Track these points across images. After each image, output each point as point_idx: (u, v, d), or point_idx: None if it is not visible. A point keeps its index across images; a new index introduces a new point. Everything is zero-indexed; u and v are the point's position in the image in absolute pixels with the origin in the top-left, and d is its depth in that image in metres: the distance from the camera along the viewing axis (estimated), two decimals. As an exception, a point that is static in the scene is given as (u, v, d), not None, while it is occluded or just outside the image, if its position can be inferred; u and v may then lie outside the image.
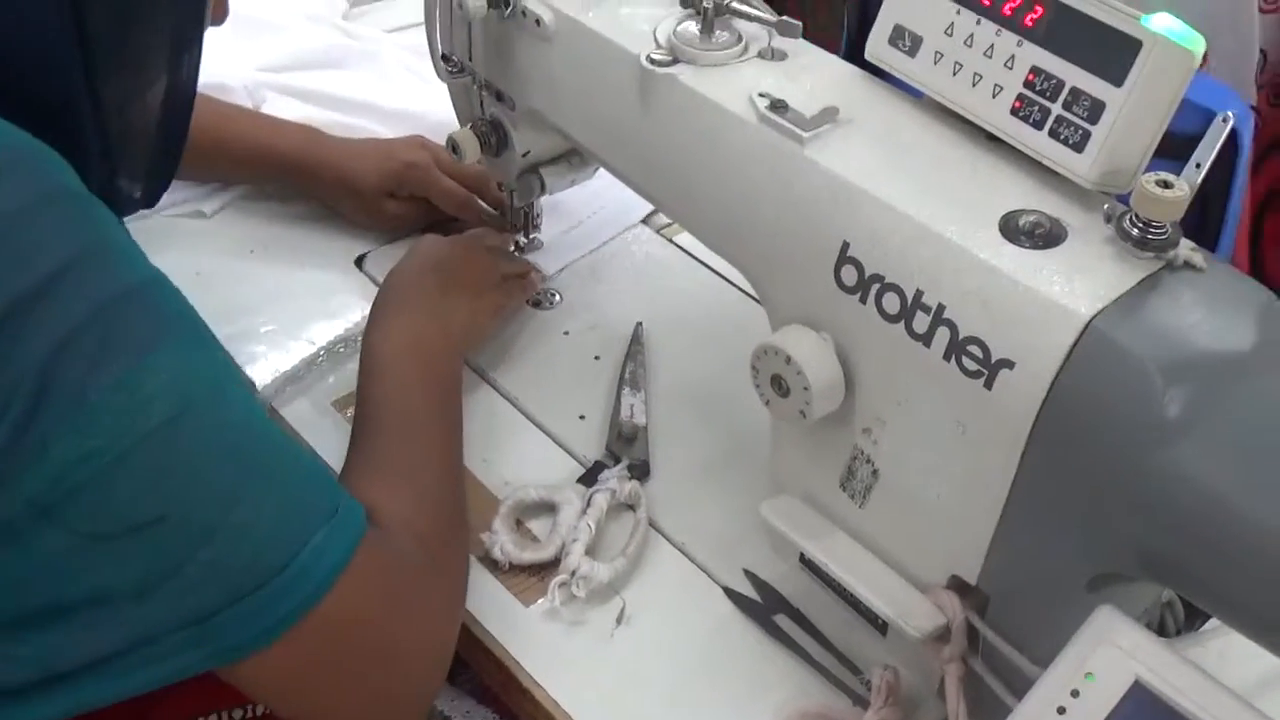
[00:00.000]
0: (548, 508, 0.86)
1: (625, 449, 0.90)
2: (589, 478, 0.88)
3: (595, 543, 0.82)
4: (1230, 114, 0.62)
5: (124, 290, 0.59)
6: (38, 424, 0.55)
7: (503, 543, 0.82)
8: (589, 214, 1.13)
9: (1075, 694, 0.55)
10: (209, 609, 0.61)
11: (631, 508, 0.86)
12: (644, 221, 1.14)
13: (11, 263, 0.56)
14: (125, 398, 0.57)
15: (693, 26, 0.76)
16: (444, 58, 0.93)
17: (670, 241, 1.13)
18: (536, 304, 1.05)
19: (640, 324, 1.01)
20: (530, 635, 0.79)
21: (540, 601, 0.80)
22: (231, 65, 1.18)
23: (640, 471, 0.88)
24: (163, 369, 0.59)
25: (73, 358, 0.56)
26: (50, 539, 0.57)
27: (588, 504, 0.84)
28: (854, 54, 0.76)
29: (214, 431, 0.61)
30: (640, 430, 0.91)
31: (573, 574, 0.79)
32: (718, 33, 0.75)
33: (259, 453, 0.64)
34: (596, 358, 1.00)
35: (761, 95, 0.70)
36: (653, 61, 0.75)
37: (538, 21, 0.82)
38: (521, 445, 0.92)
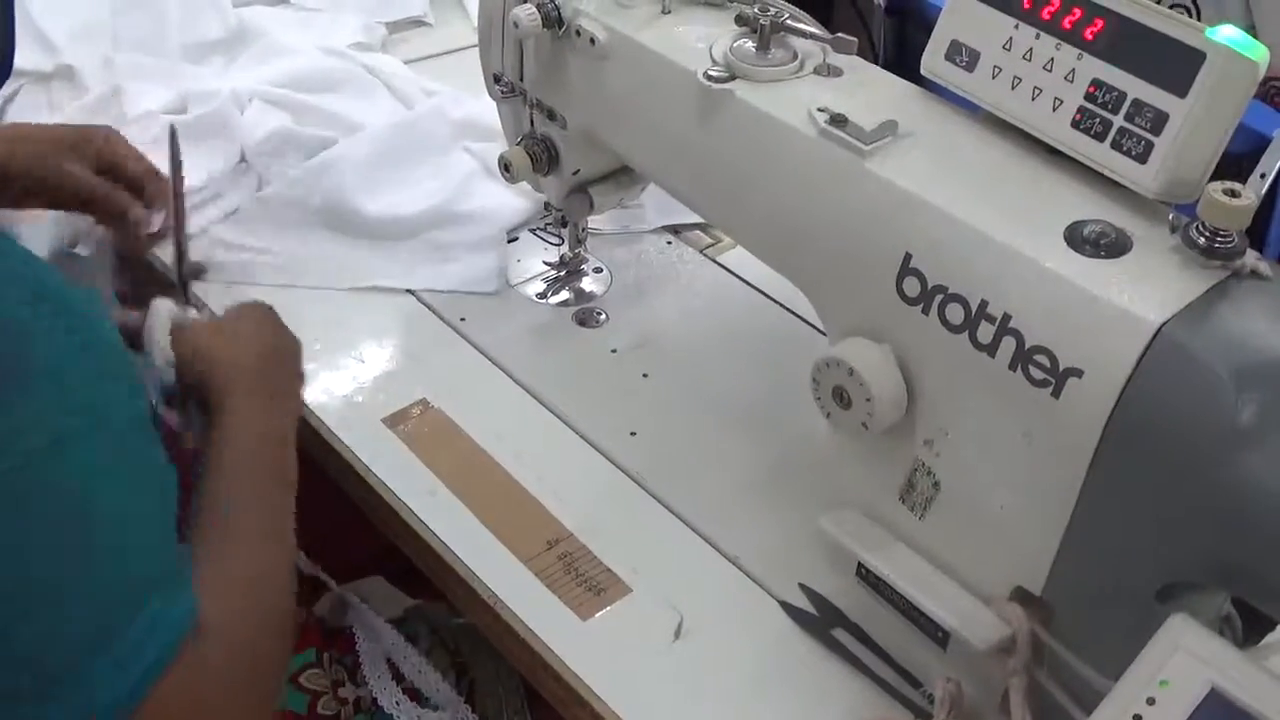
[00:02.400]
0: None
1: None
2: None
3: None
4: (1294, 125, 0.62)
5: None
6: None
7: None
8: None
9: (1151, 701, 0.55)
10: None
11: None
12: (684, 240, 1.15)
13: None
14: None
15: (749, 44, 0.77)
16: (495, 78, 0.95)
17: (713, 261, 1.13)
18: (583, 323, 1.06)
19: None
20: (589, 649, 0.79)
21: (599, 615, 0.80)
22: (232, 79, 1.22)
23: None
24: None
25: None
26: None
27: None
28: (889, 70, 0.77)
29: (50, 494, 0.60)
30: None
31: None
32: (774, 50, 0.76)
33: (89, 525, 0.61)
34: (645, 375, 1.00)
35: (820, 110, 0.71)
36: (710, 78, 0.75)
37: (592, 40, 0.83)
38: (572, 462, 0.93)
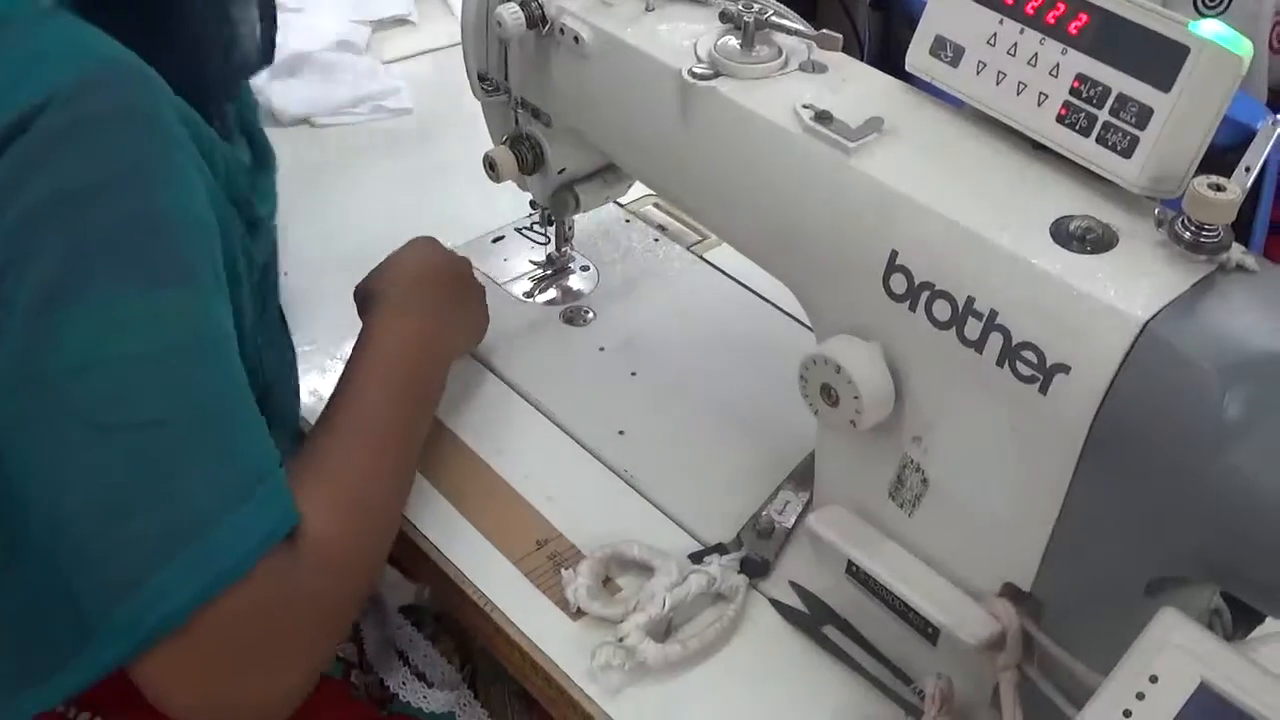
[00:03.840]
0: (646, 569, 0.83)
1: (754, 541, 0.85)
2: (699, 557, 0.84)
3: (671, 621, 0.80)
4: (1278, 117, 0.62)
5: (156, 214, 0.64)
6: (55, 313, 0.61)
7: (579, 586, 0.80)
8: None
9: (1140, 696, 0.55)
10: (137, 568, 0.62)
11: (726, 599, 0.81)
12: (671, 237, 1.15)
13: (77, 158, 0.63)
14: (145, 311, 0.63)
15: (733, 41, 0.77)
16: (480, 77, 0.94)
17: (700, 258, 1.13)
18: (570, 321, 1.06)
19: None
20: (579, 649, 0.78)
21: (589, 614, 0.80)
22: None
23: (756, 569, 0.83)
24: (169, 304, 0.64)
25: (100, 261, 0.63)
26: (55, 425, 0.62)
27: (682, 580, 0.80)
28: (874, 66, 0.77)
29: (207, 376, 0.65)
30: (779, 529, 0.86)
31: (620, 640, 0.77)
32: (758, 46, 0.76)
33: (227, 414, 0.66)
34: (633, 374, 1.00)
35: (805, 106, 0.71)
36: (694, 75, 0.75)
37: (576, 39, 0.82)
38: (560, 461, 0.93)
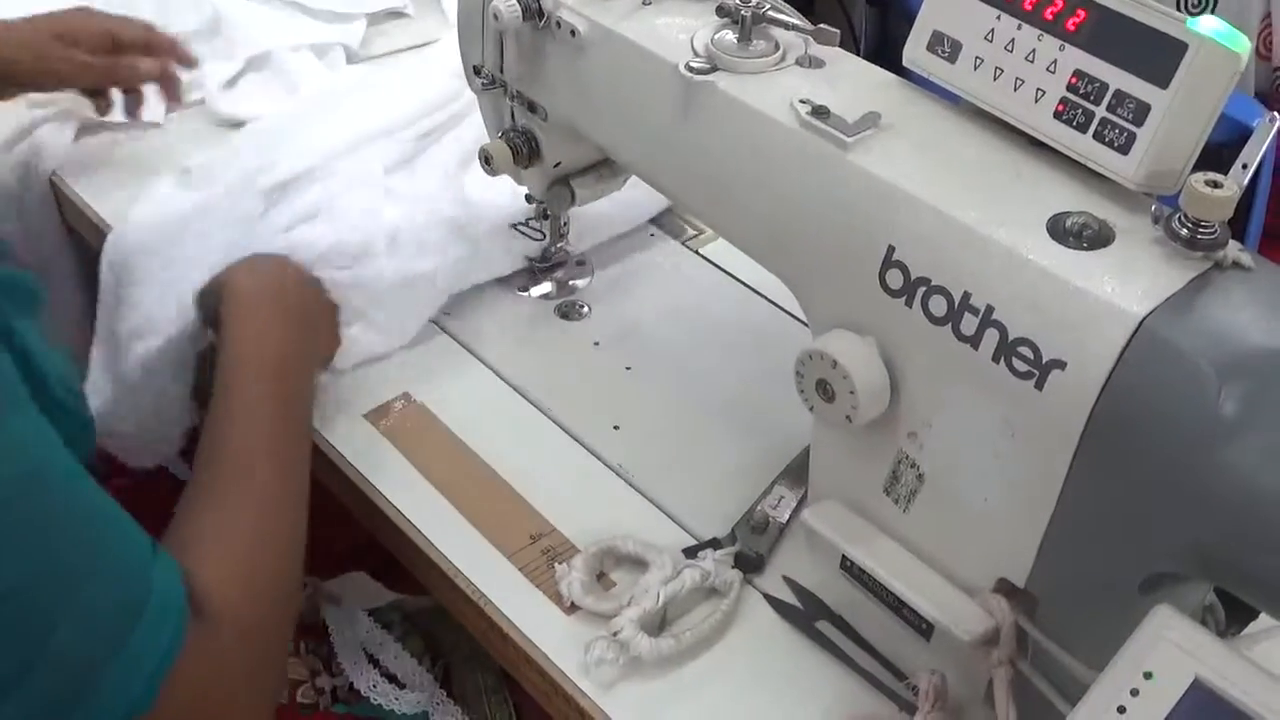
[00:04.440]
0: (640, 564, 0.83)
1: (749, 536, 0.85)
2: (693, 551, 0.84)
3: (665, 616, 0.79)
4: (1276, 115, 0.62)
5: None
6: None
7: (573, 580, 0.80)
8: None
9: (1135, 693, 0.55)
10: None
11: (720, 594, 0.81)
12: (666, 231, 1.15)
13: None
14: None
15: (730, 35, 0.76)
16: (475, 70, 0.94)
17: (696, 253, 1.13)
18: (565, 315, 1.06)
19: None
20: (572, 643, 0.78)
21: (582, 608, 0.80)
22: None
23: (750, 564, 0.83)
24: None
25: None
26: None
27: (677, 574, 0.80)
28: (871, 61, 0.77)
29: (40, 511, 0.58)
30: (774, 524, 0.86)
31: (614, 635, 0.77)
32: (755, 41, 0.76)
33: (78, 539, 0.60)
34: (628, 368, 1.00)
35: (803, 101, 0.71)
36: (691, 69, 0.75)
37: (573, 32, 0.82)
38: (555, 455, 0.92)
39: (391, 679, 0.93)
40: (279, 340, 0.82)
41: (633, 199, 1.09)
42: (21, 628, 0.57)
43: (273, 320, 0.83)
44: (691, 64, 0.75)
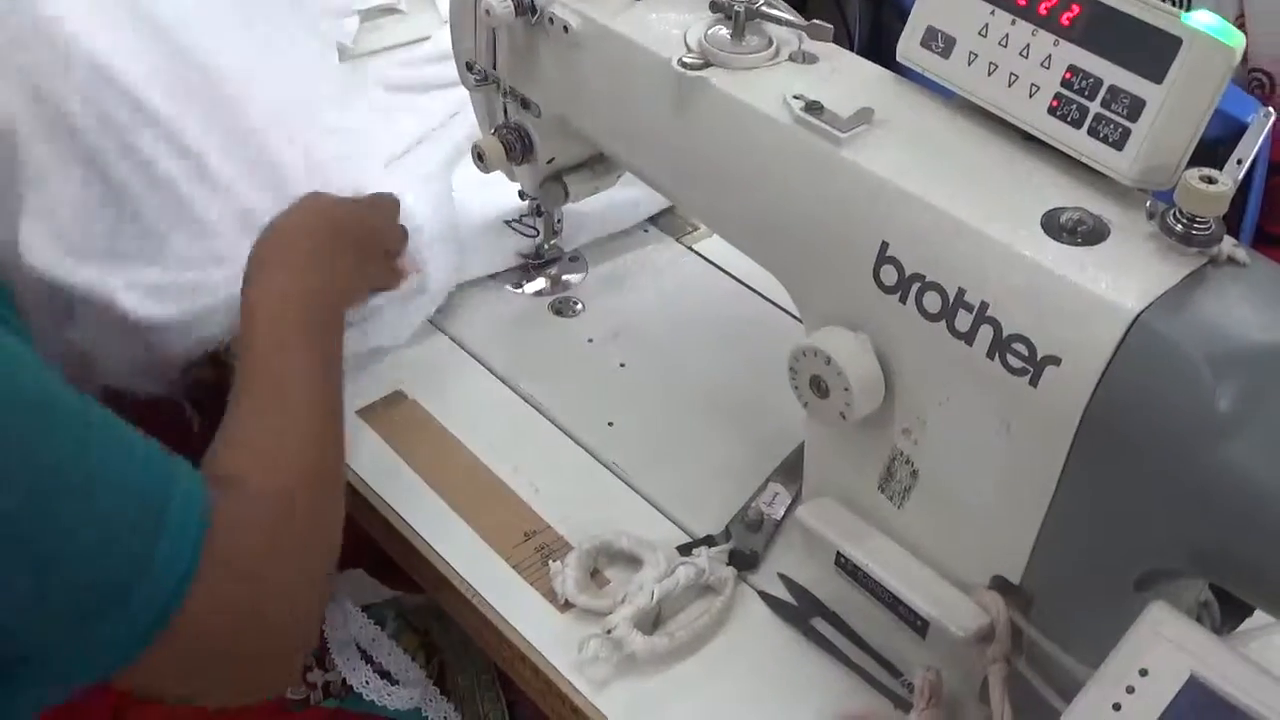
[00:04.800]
0: (635, 561, 0.83)
1: (743, 533, 0.85)
2: (688, 549, 0.84)
3: (659, 613, 0.79)
4: (1271, 110, 0.62)
5: None
6: None
7: (567, 578, 0.80)
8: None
9: (1130, 690, 0.55)
10: (62, 636, 0.60)
11: (715, 591, 0.81)
12: (661, 228, 1.14)
13: None
14: None
15: (723, 30, 0.76)
16: (468, 65, 0.94)
17: (690, 250, 1.13)
18: (559, 312, 1.05)
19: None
20: (567, 641, 0.78)
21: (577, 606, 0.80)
22: None
23: (745, 561, 0.83)
24: None
25: None
26: None
27: (671, 572, 0.80)
28: (865, 57, 0.77)
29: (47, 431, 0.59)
30: (768, 521, 0.85)
31: (608, 632, 0.77)
32: (749, 36, 0.76)
33: (82, 454, 0.60)
34: (621, 365, 1.00)
35: (796, 97, 0.71)
36: (684, 65, 0.75)
37: (565, 28, 0.82)
38: (548, 452, 0.92)
39: (385, 675, 0.93)
40: (299, 290, 0.81)
41: (631, 198, 1.09)
42: (40, 538, 0.58)
43: (295, 268, 0.82)
44: (685, 59, 0.75)
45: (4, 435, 0.56)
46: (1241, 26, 1.33)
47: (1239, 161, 0.61)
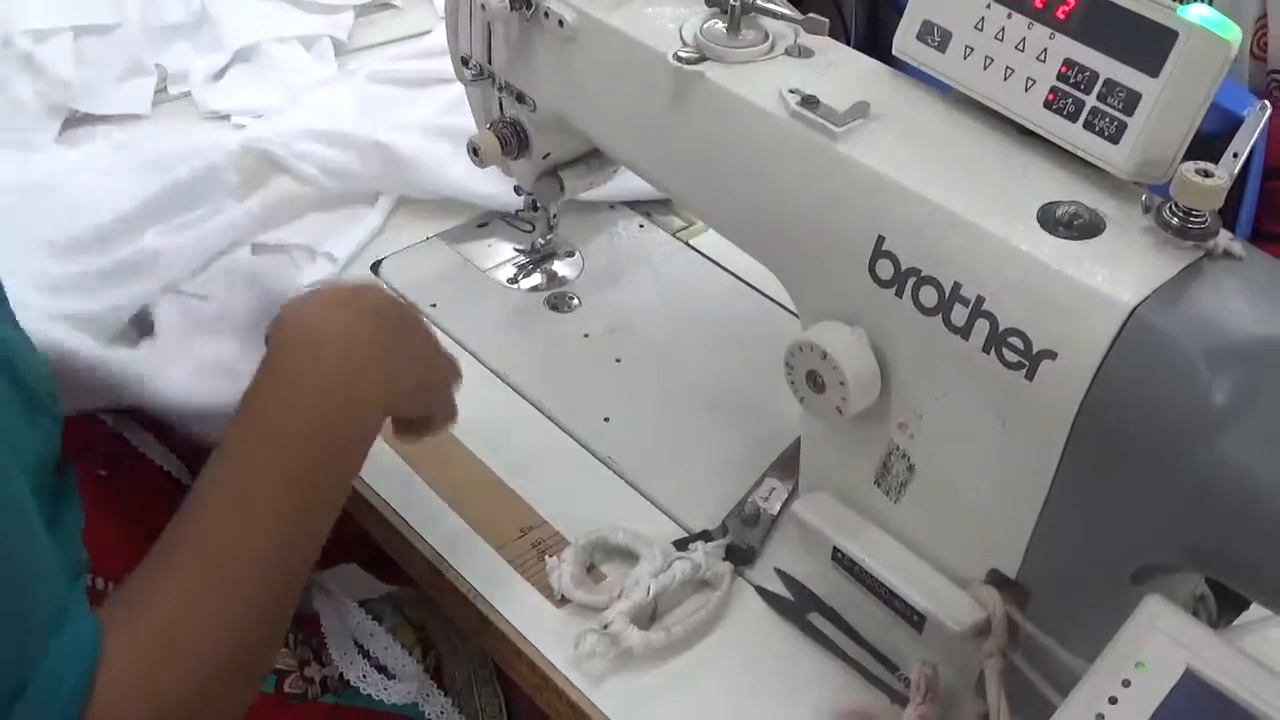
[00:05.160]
0: (631, 556, 0.82)
1: (739, 528, 0.85)
2: (684, 544, 0.83)
3: (656, 608, 0.79)
4: (1267, 103, 0.62)
5: None
6: None
7: (563, 573, 0.80)
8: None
9: (1126, 683, 0.55)
10: None
11: (711, 587, 0.81)
12: (656, 223, 1.14)
13: None
14: None
15: (719, 25, 0.76)
16: (464, 60, 0.94)
17: (687, 245, 1.13)
18: (555, 307, 1.05)
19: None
20: (563, 636, 0.78)
21: (573, 601, 0.80)
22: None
23: (741, 556, 0.83)
24: None
25: None
26: None
27: (667, 567, 0.80)
28: (862, 51, 0.77)
29: None
30: (765, 516, 0.85)
31: (605, 627, 0.77)
32: (744, 31, 0.75)
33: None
34: (618, 360, 1.00)
35: (792, 91, 0.70)
36: (680, 59, 0.74)
37: (561, 22, 0.82)
38: (544, 448, 0.92)
39: (381, 670, 0.92)
40: (342, 395, 0.65)
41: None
42: None
43: (336, 363, 0.66)
44: (680, 54, 0.75)
45: None
46: (1263, 27, 1.32)
47: (1235, 155, 0.61)
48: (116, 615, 0.59)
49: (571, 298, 1.06)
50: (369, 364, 0.67)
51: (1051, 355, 0.59)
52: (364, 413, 0.67)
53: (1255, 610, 0.72)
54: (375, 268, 1.07)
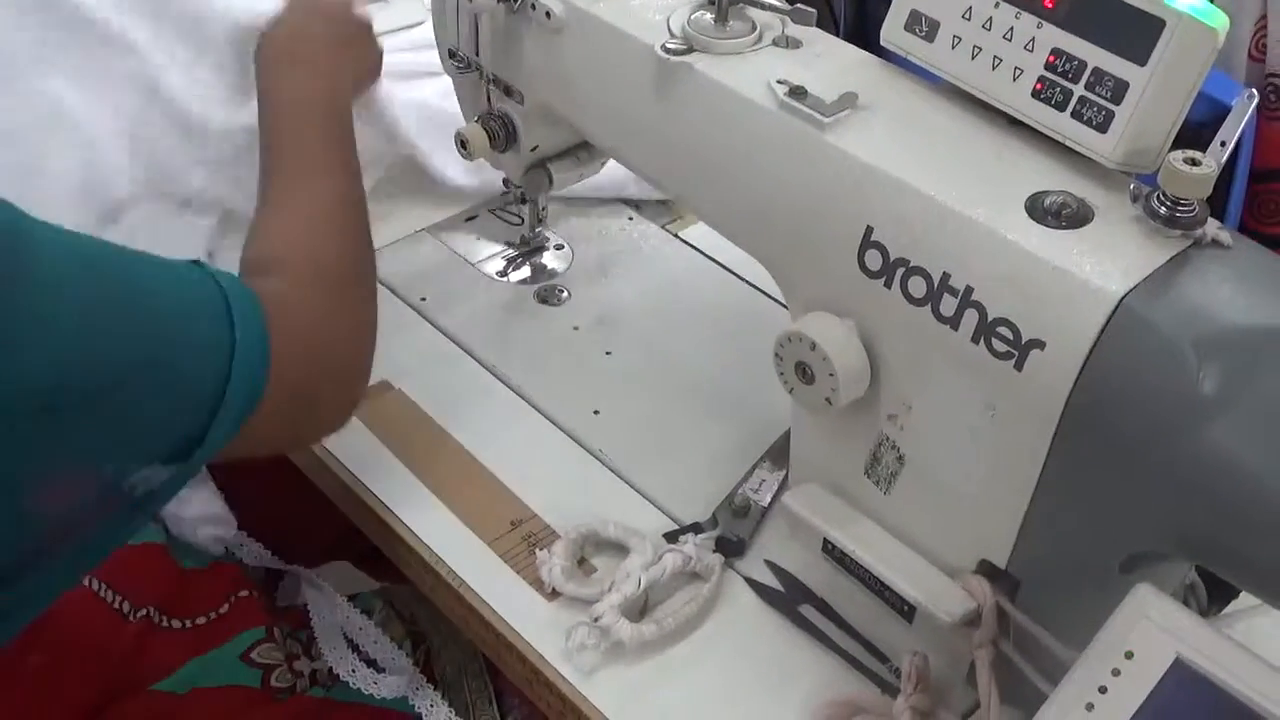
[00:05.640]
0: (621, 549, 0.82)
1: (730, 520, 0.85)
2: (675, 536, 0.83)
3: (647, 601, 0.79)
4: (1254, 91, 0.62)
5: None
6: None
7: (554, 566, 0.80)
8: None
9: (1116, 673, 0.55)
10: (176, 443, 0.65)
11: (702, 579, 0.81)
12: (645, 215, 1.14)
13: None
14: None
15: (707, 16, 0.76)
16: (451, 53, 0.93)
17: (676, 236, 1.13)
18: (544, 300, 1.05)
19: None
20: (554, 630, 0.78)
21: (564, 595, 0.80)
22: None
23: (732, 548, 0.83)
24: None
25: None
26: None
27: (658, 559, 0.80)
28: (850, 41, 0.77)
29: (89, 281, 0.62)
30: (755, 508, 0.85)
31: (595, 620, 0.77)
32: (732, 21, 0.75)
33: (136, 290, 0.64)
34: (608, 353, 1.00)
35: (780, 82, 0.70)
36: (668, 51, 0.74)
37: (548, 14, 0.81)
38: (534, 441, 0.92)
39: (371, 664, 0.92)
40: (317, 75, 0.87)
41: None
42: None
43: (308, 59, 0.88)
44: (668, 45, 0.75)
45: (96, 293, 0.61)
46: (1262, 29, 1.32)
47: (1222, 144, 0.61)
48: (254, 275, 0.74)
49: (561, 290, 1.06)
50: (335, 68, 0.89)
51: (1040, 345, 0.59)
52: (343, 95, 0.89)
53: (1245, 599, 0.73)
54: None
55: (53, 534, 0.64)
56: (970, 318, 0.62)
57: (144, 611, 0.87)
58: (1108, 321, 0.57)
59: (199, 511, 0.95)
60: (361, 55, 0.95)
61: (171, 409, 0.64)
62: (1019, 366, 0.60)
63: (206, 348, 0.66)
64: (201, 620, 0.91)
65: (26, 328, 0.56)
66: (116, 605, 0.87)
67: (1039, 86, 0.64)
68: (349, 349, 0.78)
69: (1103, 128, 0.62)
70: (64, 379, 0.58)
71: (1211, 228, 0.59)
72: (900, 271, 0.64)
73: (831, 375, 0.68)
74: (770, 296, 1.04)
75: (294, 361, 0.70)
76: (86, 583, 0.86)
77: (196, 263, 0.69)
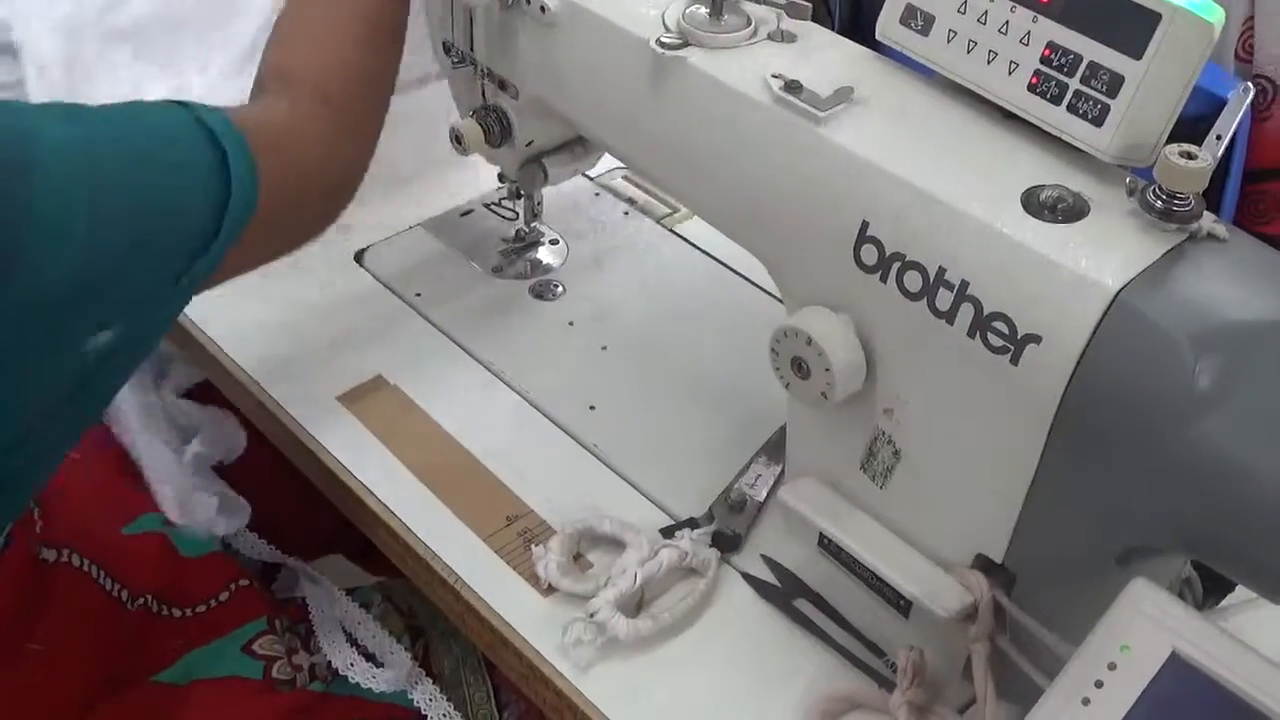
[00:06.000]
0: (617, 544, 0.82)
1: (726, 515, 0.85)
2: (670, 531, 0.83)
3: (643, 596, 0.79)
4: (1249, 85, 0.62)
5: None
6: None
7: (549, 562, 0.80)
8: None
9: (1112, 666, 0.55)
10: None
11: (698, 574, 0.81)
12: (641, 209, 1.14)
13: None
14: None
15: (701, 10, 0.76)
16: (445, 47, 0.93)
17: (671, 231, 1.12)
18: (539, 295, 1.05)
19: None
20: (550, 625, 0.78)
21: (559, 590, 0.80)
22: None
23: (728, 543, 0.83)
24: None
25: None
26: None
27: (654, 554, 0.80)
28: (846, 35, 0.76)
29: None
30: (751, 503, 0.85)
31: (591, 616, 0.77)
32: (727, 15, 0.75)
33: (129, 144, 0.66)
34: (603, 348, 0.99)
35: (775, 76, 0.70)
36: (663, 45, 0.74)
37: (542, 8, 0.81)
38: (530, 436, 0.92)
39: (370, 658, 0.92)
40: None
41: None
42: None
43: None
44: (663, 39, 0.74)
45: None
46: (1248, 32, 1.32)
47: (1218, 137, 0.61)
48: (264, 91, 0.77)
49: (556, 285, 1.06)
50: None
51: (1036, 339, 0.59)
52: None
53: (1241, 592, 0.73)
54: (359, 257, 1.07)
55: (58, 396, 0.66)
56: (966, 312, 0.62)
57: (143, 600, 0.87)
58: (1104, 315, 0.57)
59: (211, 502, 0.95)
60: None
61: (157, 277, 0.66)
62: (1015, 361, 0.60)
63: (199, 207, 0.67)
64: (201, 608, 0.91)
65: (41, 233, 0.58)
66: (115, 593, 0.87)
67: (1034, 80, 0.64)
68: (343, 171, 0.79)
69: (1098, 121, 0.62)
70: (75, 276, 0.60)
71: (1207, 221, 0.59)
72: (896, 266, 0.64)
73: (827, 370, 0.68)
74: (766, 291, 1.03)
75: (283, 192, 0.71)
76: (85, 569, 0.85)
77: (183, 105, 0.70)
